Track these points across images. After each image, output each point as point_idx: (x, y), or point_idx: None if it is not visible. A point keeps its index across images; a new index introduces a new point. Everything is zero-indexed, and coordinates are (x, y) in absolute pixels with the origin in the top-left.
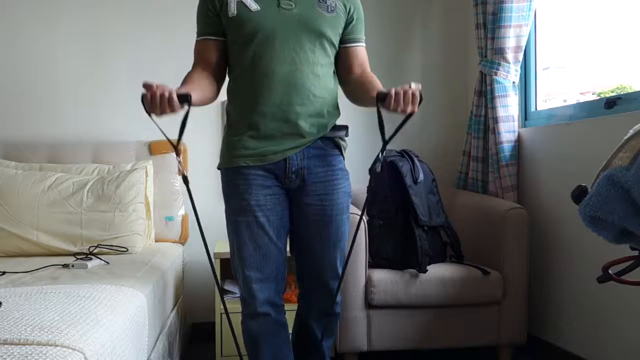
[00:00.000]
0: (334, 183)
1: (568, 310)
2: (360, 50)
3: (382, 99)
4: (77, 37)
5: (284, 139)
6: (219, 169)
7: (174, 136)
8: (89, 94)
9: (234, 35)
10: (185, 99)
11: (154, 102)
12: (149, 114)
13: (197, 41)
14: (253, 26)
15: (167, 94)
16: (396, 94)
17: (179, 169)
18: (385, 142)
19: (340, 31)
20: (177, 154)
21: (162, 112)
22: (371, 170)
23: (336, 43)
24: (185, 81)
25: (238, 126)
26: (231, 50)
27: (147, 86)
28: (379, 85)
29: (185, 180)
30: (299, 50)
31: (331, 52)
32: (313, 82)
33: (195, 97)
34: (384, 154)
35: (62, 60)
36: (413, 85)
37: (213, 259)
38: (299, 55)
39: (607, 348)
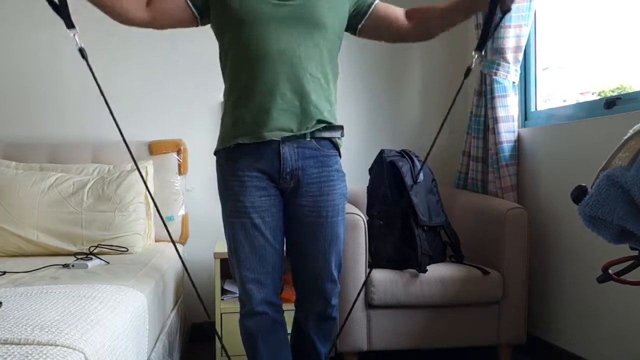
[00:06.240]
0: (330, 184)
1: (568, 310)
2: (381, 5)
3: None
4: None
5: (280, 115)
6: (215, 154)
7: (174, 136)
8: (89, 93)
9: (227, 16)
10: None
11: None
12: None
13: None
14: (248, 6)
15: None
16: None
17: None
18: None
19: (346, 8)
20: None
21: None
22: (467, 71)
23: (336, 22)
24: None
25: (236, 106)
26: (224, 32)
27: None
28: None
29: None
30: (294, 31)
31: (331, 32)
32: (310, 62)
33: None
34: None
35: (62, 59)
36: None
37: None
38: (294, 36)
39: (607, 348)
